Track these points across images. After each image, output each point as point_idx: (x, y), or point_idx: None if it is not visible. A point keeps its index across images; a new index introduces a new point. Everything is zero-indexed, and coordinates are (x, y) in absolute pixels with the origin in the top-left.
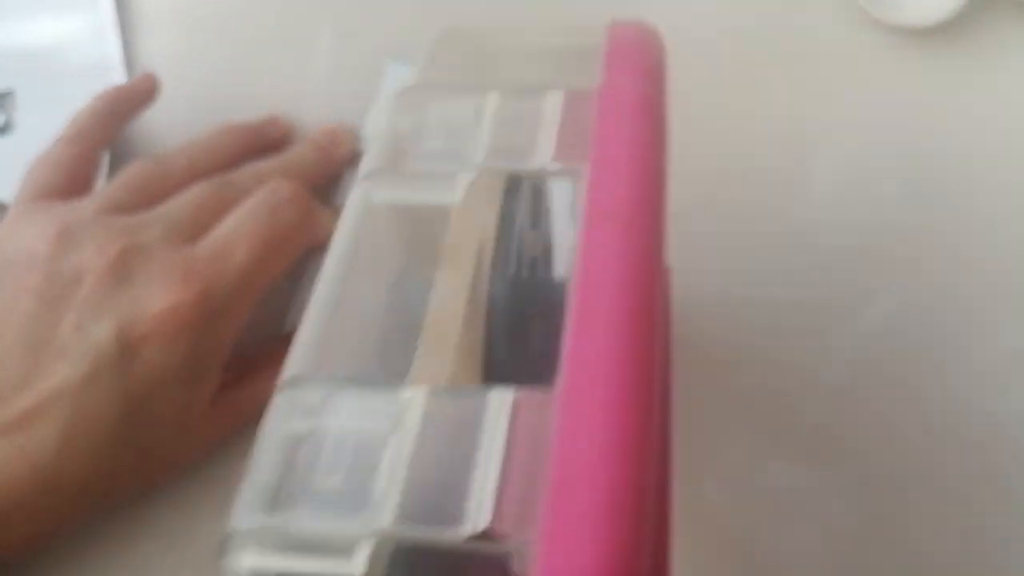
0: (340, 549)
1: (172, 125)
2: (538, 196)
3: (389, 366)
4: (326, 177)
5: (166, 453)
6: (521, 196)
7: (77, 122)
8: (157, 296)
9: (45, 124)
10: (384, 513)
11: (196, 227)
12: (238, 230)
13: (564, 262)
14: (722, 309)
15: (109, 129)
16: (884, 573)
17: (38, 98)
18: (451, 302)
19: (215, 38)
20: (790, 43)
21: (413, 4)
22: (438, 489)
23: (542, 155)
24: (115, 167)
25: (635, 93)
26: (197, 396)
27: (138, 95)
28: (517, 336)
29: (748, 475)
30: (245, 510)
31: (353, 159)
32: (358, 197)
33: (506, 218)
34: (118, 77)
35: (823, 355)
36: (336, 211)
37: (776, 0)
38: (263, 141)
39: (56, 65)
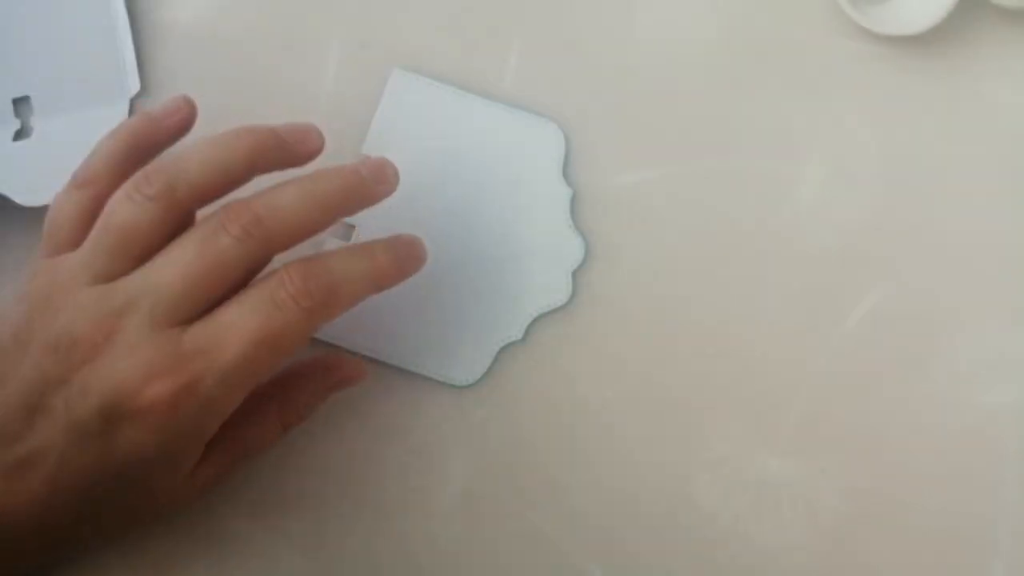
0: None
1: (184, 142)
2: None
3: None
4: (353, 212)
5: (150, 506)
6: None
7: (92, 164)
8: (139, 384)
9: (61, 129)
10: None
11: (187, 303)
12: (233, 324)
13: None
14: (711, 307)
15: (128, 173)
16: (870, 564)
17: (54, 104)
18: None
19: (227, 48)
20: (776, 51)
21: (424, 16)
22: None
23: None
24: None
25: None
26: (178, 470)
27: (167, 131)
28: None
29: (737, 468)
30: None
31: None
32: None
33: None
34: (132, 85)
35: (810, 352)
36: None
37: (762, 8)
38: (284, 155)
39: (71, 84)
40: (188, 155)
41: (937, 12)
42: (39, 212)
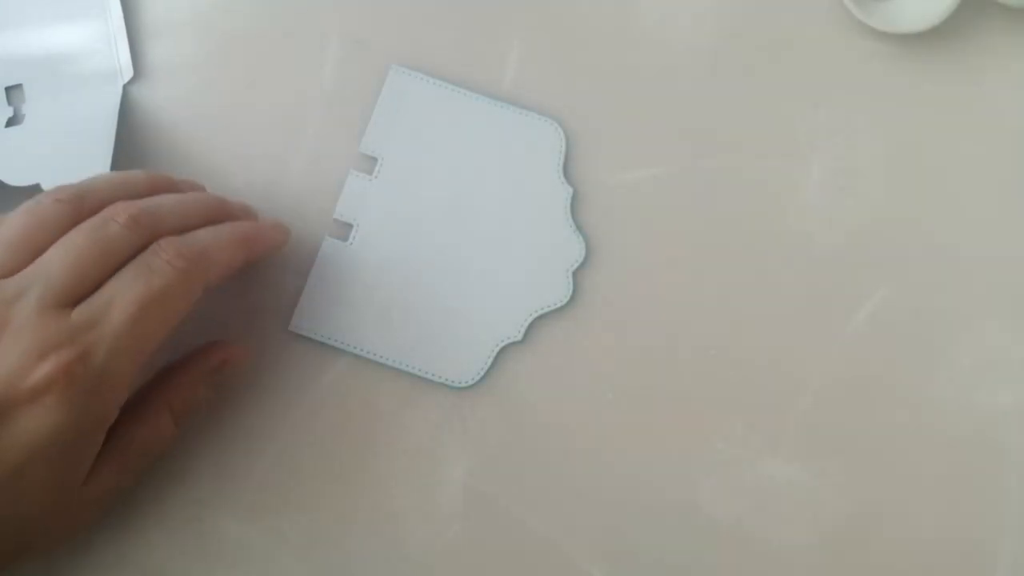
0: None
1: (177, 133)
2: None
3: None
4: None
5: (48, 522)
6: None
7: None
8: (30, 365)
9: (54, 115)
10: None
11: (76, 286)
12: (116, 293)
13: None
14: (712, 308)
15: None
16: (872, 566)
17: (47, 91)
18: None
19: (222, 45)
20: (779, 49)
21: (424, 14)
22: None
23: None
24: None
25: None
26: (79, 461)
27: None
28: None
29: (739, 470)
30: None
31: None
32: None
33: None
34: (126, 72)
35: (813, 354)
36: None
37: (765, 6)
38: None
39: (65, 70)
40: (99, 178)
41: (941, 10)
42: (26, 192)
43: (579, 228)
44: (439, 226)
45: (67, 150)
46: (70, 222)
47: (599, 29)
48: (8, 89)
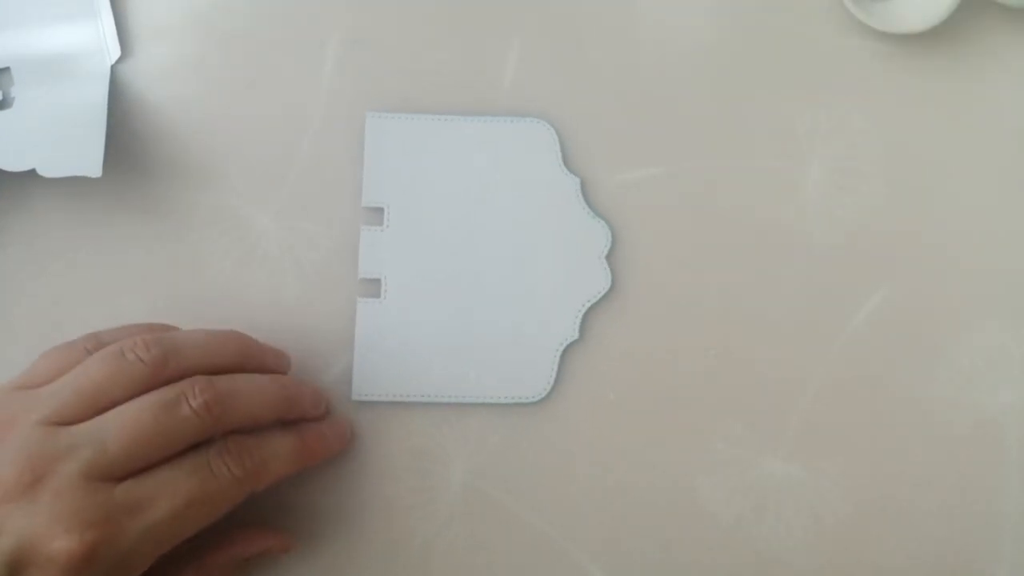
0: None
1: (169, 137)
2: None
3: None
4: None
5: None
6: None
7: (110, 332)
8: (56, 533)
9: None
10: None
11: (127, 462)
12: (168, 483)
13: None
14: (712, 309)
15: None
16: (872, 565)
17: (34, 74)
18: None
19: (214, 49)
20: (779, 49)
21: (424, 15)
22: None
23: None
24: (116, 164)
25: None
26: None
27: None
28: None
29: (739, 469)
30: None
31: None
32: None
33: None
34: (113, 52)
35: (813, 354)
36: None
37: (766, 6)
38: (261, 366)
39: (50, 53)
40: (185, 339)
41: (940, 10)
42: (20, 176)
43: (598, 214)
44: (464, 253)
45: (59, 135)
46: (146, 386)
47: (599, 29)
48: None
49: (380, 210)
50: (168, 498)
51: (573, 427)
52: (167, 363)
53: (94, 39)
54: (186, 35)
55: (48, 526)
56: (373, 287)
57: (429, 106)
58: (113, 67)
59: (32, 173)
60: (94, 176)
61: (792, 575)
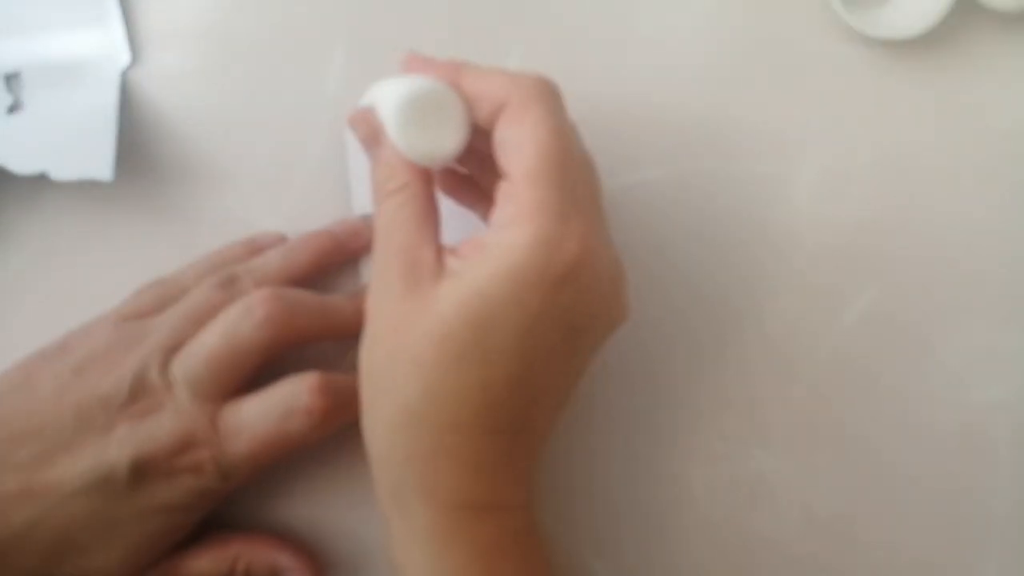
0: None
1: (178, 141)
2: None
3: None
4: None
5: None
6: None
7: (195, 267)
8: (178, 449)
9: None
10: None
11: (218, 387)
12: (251, 423)
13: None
14: (707, 306)
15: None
16: (864, 561)
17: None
18: None
19: (223, 55)
20: (772, 54)
21: (425, 16)
22: None
23: None
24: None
25: None
26: (174, 531)
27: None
28: None
29: (733, 465)
30: None
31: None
32: None
33: None
34: (123, 58)
35: (805, 351)
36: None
37: (758, 12)
38: (342, 255)
39: (61, 57)
40: (268, 262)
41: (931, 16)
42: (30, 179)
43: None
44: None
45: (69, 138)
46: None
47: (599, 31)
48: (7, 77)
49: (371, 216)
50: (249, 437)
51: (570, 420)
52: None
53: (105, 45)
54: (195, 42)
55: (171, 443)
56: None
57: None
58: (123, 72)
59: (43, 176)
60: (105, 179)
61: (784, 569)
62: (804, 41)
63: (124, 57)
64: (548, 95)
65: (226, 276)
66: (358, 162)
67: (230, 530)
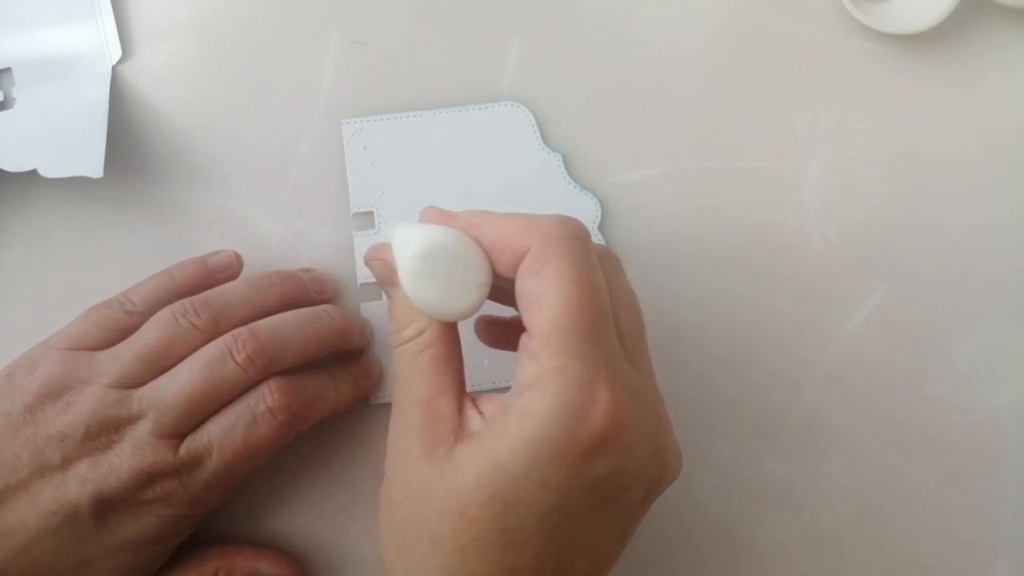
0: None
1: (170, 137)
2: None
3: None
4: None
5: None
6: None
7: (141, 292)
8: (141, 483)
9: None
10: None
11: (185, 421)
12: (216, 441)
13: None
14: (712, 308)
15: (166, 303)
16: (871, 565)
17: (35, 74)
18: None
19: (214, 50)
20: (778, 49)
21: (422, 13)
22: None
23: None
24: (117, 165)
25: None
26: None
27: (216, 282)
28: None
29: (739, 469)
30: None
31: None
32: None
33: None
34: (114, 53)
35: (813, 354)
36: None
37: (765, 6)
38: (306, 300)
39: (52, 54)
40: (230, 294)
41: (939, 10)
42: (21, 176)
43: (584, 187)
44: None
45: (60, 135)
46: (201, 343)
47: (599, 30)
48: None
49: (369, 214)
50: (219, 454)
51: None
52: (218, 324)
53: (95, 40)
54: (187, 37)
55: (134, 479)
56: (373, 290)
57: (429, 107)
58: (114, 68)
59: (33, 173)
60: (95, 176)
61: (791, 574)
62: (812, 36)
63: (115, 52)
64: (570, 238)
65: (180, 309)
66: (357, 159)
67: (204, 545)
